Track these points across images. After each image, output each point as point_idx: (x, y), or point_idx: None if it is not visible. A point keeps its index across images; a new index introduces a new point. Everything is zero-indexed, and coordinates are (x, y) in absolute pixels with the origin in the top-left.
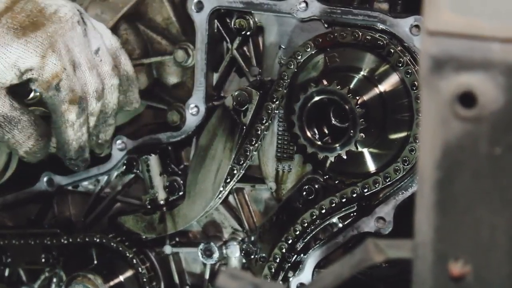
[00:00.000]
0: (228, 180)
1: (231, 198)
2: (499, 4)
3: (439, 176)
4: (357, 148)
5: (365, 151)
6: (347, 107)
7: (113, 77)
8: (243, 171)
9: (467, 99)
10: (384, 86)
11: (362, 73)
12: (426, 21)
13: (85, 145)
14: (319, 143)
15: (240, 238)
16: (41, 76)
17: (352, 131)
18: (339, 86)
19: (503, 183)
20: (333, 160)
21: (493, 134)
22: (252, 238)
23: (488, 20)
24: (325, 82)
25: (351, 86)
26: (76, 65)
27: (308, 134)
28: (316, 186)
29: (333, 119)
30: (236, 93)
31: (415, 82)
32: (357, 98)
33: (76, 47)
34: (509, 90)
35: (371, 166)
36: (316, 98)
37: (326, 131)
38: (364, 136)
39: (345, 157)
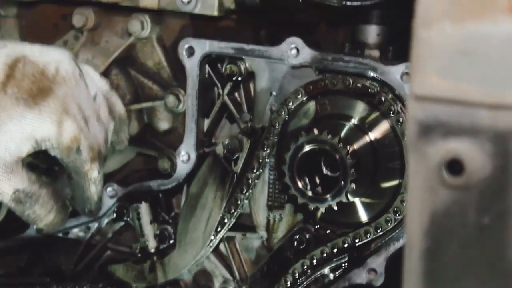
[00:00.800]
0: (219, 229)
1: (222, 247)
2: (486, 69)
3: (427, 244)
4: (348, 199)
5: (356, 200)
6: (337, 157)
7: (111, 121)
8: (234, 220)
9: (454, 166)
10: (375, 134)
11: (352, 121)
12: (413, 85)
13: (102, 194)
14: (309, 194)
15: None
16: (60, 143)
17: (343, 181)
18: (330, 136)
19: (492, 253)
20: (323, 211)
21: (481, 203)
22: None
23: (475, 85)
24: (315, 131)
25: (342, 135)
26: (86, 120)
27: (299, 184)
28: (307, 236)
29: (324, 168)
30: (227, 141)
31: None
32: (348, 147)
33: (83, 102)
34: (497, 157)
35: (363, 216)
36: (307, 148)
37: (317, 180)
38: (355, 187)
39: (336, 208)
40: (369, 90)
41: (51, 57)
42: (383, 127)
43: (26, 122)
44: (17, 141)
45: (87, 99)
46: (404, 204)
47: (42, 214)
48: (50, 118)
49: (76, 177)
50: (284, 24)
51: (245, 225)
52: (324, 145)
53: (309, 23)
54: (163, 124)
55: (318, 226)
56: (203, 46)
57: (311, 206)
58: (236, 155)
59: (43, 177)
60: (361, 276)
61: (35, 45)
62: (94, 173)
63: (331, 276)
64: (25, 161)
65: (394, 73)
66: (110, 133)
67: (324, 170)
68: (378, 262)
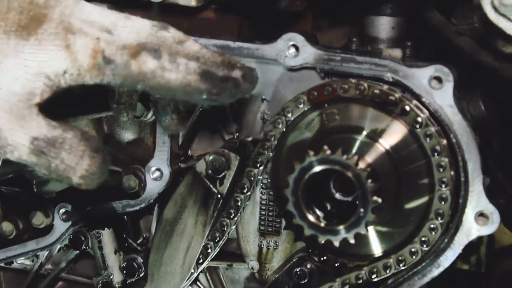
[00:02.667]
0: (201, 260)
1: (202, 278)
2: None
3: None
4: (367, 230)
5: (373, 228)
6: (355, 180)
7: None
8: (219, 249)
9: None
10: (396, 150)
11: (367, 134)
12: None
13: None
14: (321, 224)
15: None
16: (81, 67)
17: (362, 210)
18: (345, 155)
19: None
20: (337, 245)
21: None
22: None
23: None
24: (327, 150)
25: (358, 152)
26: (106, 29)
27: (306, 213)
28: (309, 267)
29: (334, 191)
30: (210, 157)
31: (437, 147)
32: (368, 169)
33: (92, 15)
34: None
35: (380, 246)
36: (317, 169)
37: (328, 207)
38: (376, 216)
39: (352, 241)
40: (390, 98)
41: None
42: (406, 141)
43: (25, 57)
44: (22, 80)
45: (97, 11)
46: (434, 233)
47: (73, 162)
48: (53, 45)
49: (144, 85)
50: (267, 13)
51: (231, 252)
52: (338, 166)
53: (294, 12)
54: (128, 134)
55: (324, 257)
56: None
57: (322, 239)
58: (222, 174)
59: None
60: None
61: None
62: (148, 64)
63: None
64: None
65: (420, 77)
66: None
67: (336, 194)
68: None
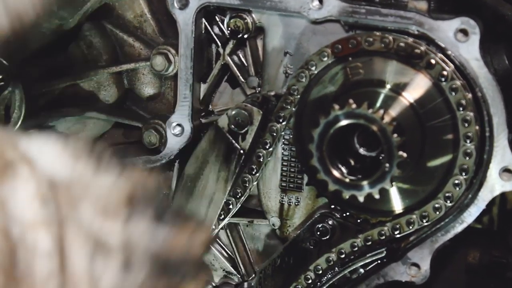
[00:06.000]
0: (222, 216)
1: (222, 234)
2: None
3: None
4: (392, 185)
5: (396, 184)
6: (380, 134)
7: None
8: (240, 205)
9: None
10: (421, 104)
11: (392, 88)
12: None
13: None
14: (346, 180)
15: (234, 284)
16: None
17: (387, 165)
18: (371, 109)
19: None
20: (362, 200)
21: None
22: (252, 285)
23: None
24: (352, 103)
25: (383, 106)
26: None
27: (331, 168)
28: (330, 223)
29: (358, 146)
30: (233, 112)
31: (462, 101)
32: (393, 123)
33: None
34: None
35: (403, 203)
36: (342, 123)
37: (351, 162)
38: (401, 171)
39: (377, 196)
40: (415, 51)
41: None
42: (431, 95)
43: None
44: None
45: None
46: (458, 189)
47: None
48: None
49: None
50: None
51: (252, 209)
52: (364, 120)
53: None
54: (148, 89)
55: (346, 213)
56: None
57: (346, 195)
58: (245, 129)
59: None
60: (399, 271)
61: None
62: None
63: (361, 270)
64: None
65: (446, 29)
66: None
67: (360, 149)
68: (421, 256)
